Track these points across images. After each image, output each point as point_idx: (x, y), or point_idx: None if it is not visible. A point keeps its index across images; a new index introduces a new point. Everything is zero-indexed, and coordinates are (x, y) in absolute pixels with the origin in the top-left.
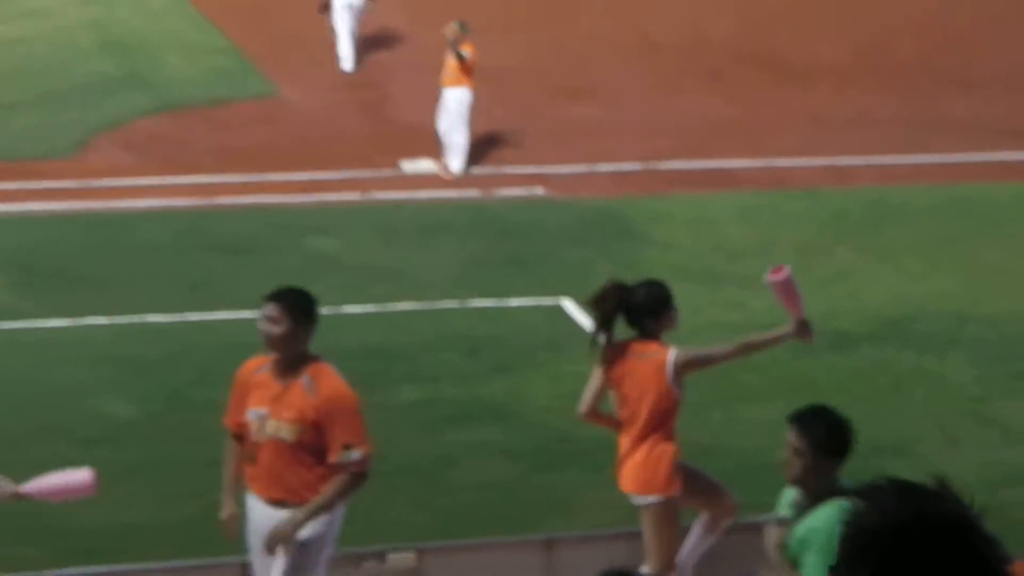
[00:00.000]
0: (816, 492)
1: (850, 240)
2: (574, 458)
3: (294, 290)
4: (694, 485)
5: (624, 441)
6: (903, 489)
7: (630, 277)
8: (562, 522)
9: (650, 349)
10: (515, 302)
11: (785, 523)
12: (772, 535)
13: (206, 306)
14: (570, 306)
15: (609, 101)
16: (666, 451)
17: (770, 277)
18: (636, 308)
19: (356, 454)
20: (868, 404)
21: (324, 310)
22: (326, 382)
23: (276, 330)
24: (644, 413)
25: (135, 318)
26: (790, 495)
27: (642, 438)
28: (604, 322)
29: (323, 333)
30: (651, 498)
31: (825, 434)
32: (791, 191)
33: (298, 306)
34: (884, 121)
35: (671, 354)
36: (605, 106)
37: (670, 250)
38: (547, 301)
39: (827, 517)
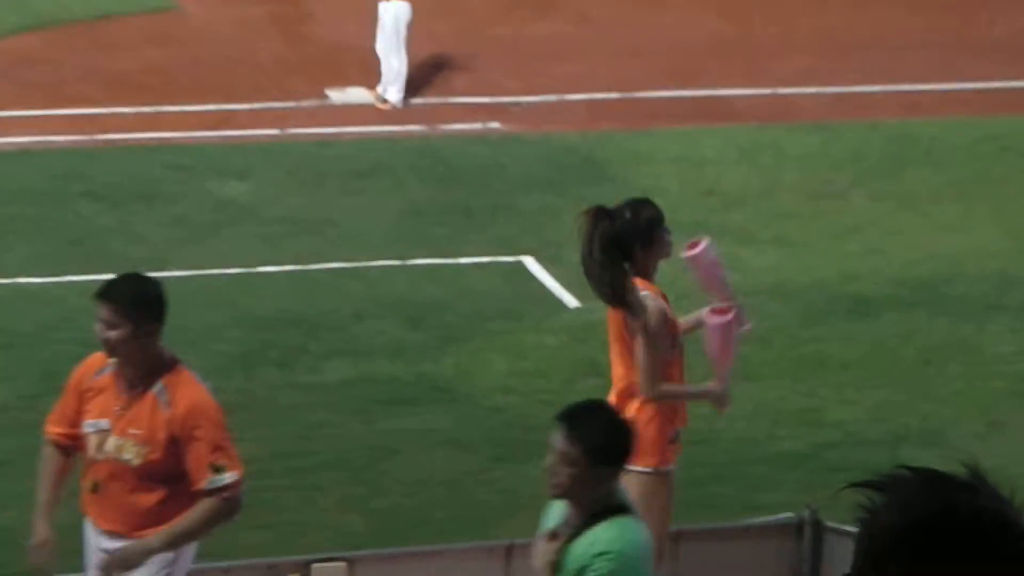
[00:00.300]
0: (590, 508)
1: (869, 184)
2: (538, 449)
3: (132, 281)
4: None
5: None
6: (929, 480)
7: None
8: (524, 525)
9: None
10: (466, 260)
11: (556, 537)
12: (541, 552)
13: (89, 266)
14: (533, 265)
15: (579, 16)
16: (658, 414)
17: (686, 253)
18: (624, 235)
19: (228, 477)
20: (892, 383)
21: (234, 270)
22: (184, 392)
23: (113, 335)
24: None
25: (3, 281)
26: (558, 511)
27: (629, 397)
28: (606, 264)
29: (234, 298)
30: (637, 467)
31: (601, 438)
32: (798, 125)
33: (138, 303)
34: (908, 43)
35: (648, 313)
36: (574, 22)
37: (653, 197)
38: (505, 259)
39: (611, 540)
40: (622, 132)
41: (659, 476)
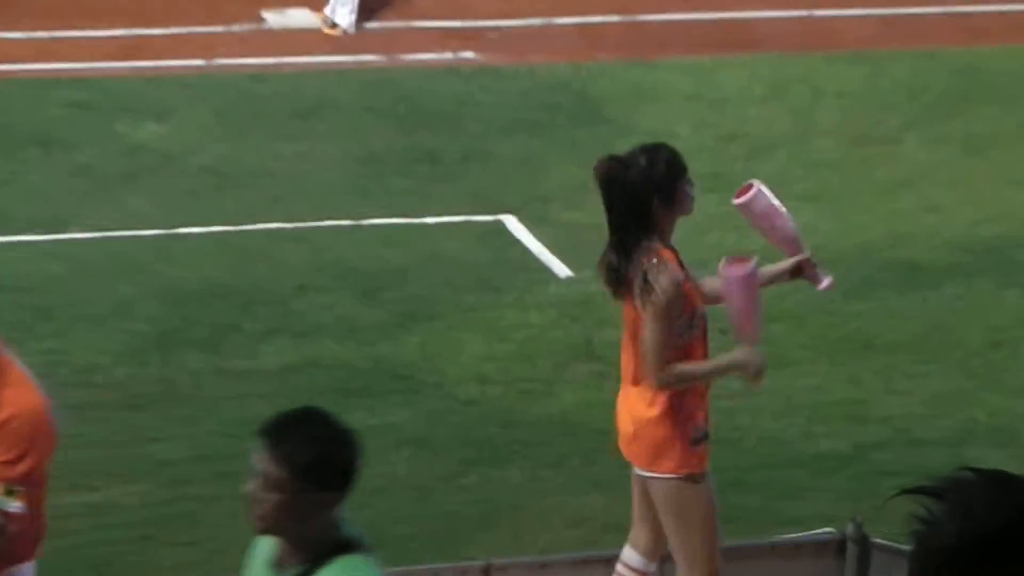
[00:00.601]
0: (307, 546)
1: (925, 127)
2: (521, 449)
3: None
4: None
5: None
6: (995, 483)
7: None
8: (503, 540)
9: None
10: (433, 220)
11: None
12: None
13: None
14: (514, 225)
15: None
16: (670, 408)
17: (737, 200)
18: (641, 186)
19: (16, 505)
20: (952, 367)
21: (150, 231)
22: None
23: None
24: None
25: None
26: (264, 547)
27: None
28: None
29: (149, 265)
30: (658, 474)
31: (312, 453)
32: (838, 55)
33: None
34: None
35: (658, 288)
36: None
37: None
38: (480, 218)
39: None
40: (622, 63)
41: (690, 482)
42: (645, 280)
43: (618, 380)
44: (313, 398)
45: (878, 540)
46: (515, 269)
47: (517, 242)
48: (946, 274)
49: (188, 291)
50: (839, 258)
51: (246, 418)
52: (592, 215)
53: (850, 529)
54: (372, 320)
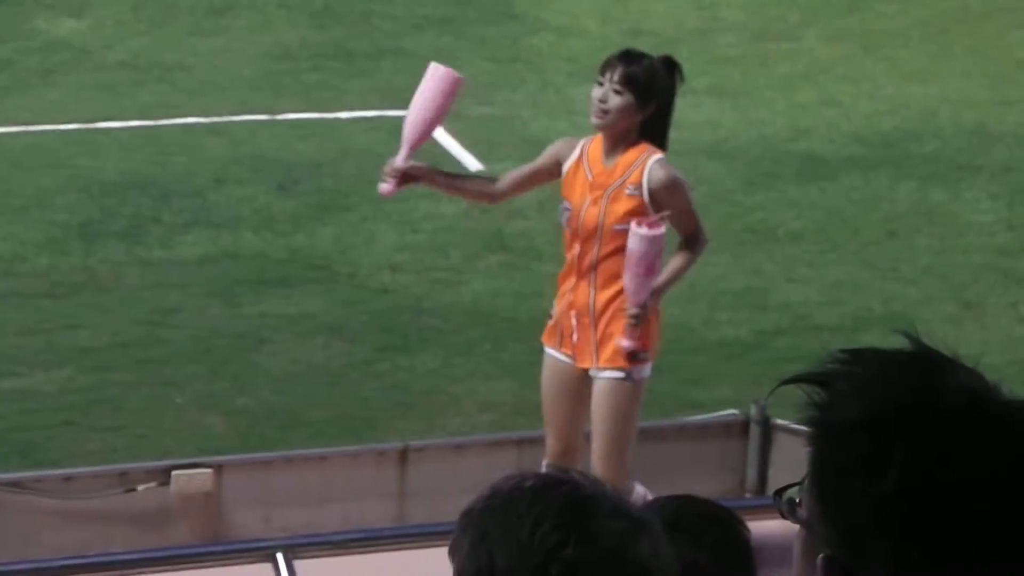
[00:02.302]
0: None
1: (824, 23)
2: (432, 336)
3: None
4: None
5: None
6: (890, 362)
7: (511, 77)
8: (416, 425)
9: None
10: (347, 115)
11: None
12: None
13: None
14: None
15: None
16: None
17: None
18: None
19: None
20: (851, 258)
21: (69, 125)
22: None
23: None
24: None
25: None
26: None
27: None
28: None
29: (69, 158)
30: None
31: None
32: None
33: None
34: None
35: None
36: None
37: (567, 37)
38: (393, 113)
39: None
40: None
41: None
42: None
43: (526, 270)
44: (230, 288)
45: (779, 421)
46: (427, 162)
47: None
48: (844, 166)
49: (108, 183)
50: (742, 149)
51: (165, 307)
52: (502, 108)
53: (753, 411)
54: (288, 211)
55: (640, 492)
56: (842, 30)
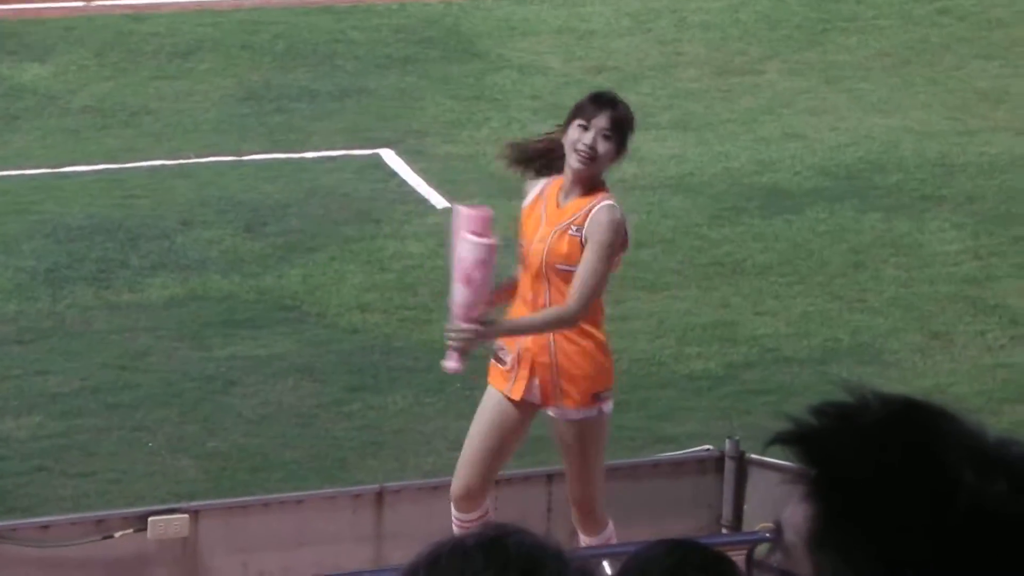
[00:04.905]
0: None
1: (785, 56)
2: (402, 376)
3: None
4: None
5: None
6: (892, 414)
7: (475, 115)
8: (388, 466)
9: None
10: (312, 155)
11: None
12: None
13: None
14: (392, 158)
15: None
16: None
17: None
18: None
19: None
20: (816, 289)
21: (35, 170)
22: None
23: None
24: None
25: None
26: None
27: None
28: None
29: (35, 203)
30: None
31: None
32: None
33: None
34: None
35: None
36: None
37: (530, 74)
38: (358, 152)
39: None
40: None
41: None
42: None
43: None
44: (200, 330)
45: (754, 456)
46: (393, 201)
47: (395, 175)
48: (809, 198)
49: (74, 228)
50: (707, 184)
51: (134, 350)
52: (466, 147)
53: (727, 446)
54: (255, 253)
55: (609, 531)
56: (804, 63)
